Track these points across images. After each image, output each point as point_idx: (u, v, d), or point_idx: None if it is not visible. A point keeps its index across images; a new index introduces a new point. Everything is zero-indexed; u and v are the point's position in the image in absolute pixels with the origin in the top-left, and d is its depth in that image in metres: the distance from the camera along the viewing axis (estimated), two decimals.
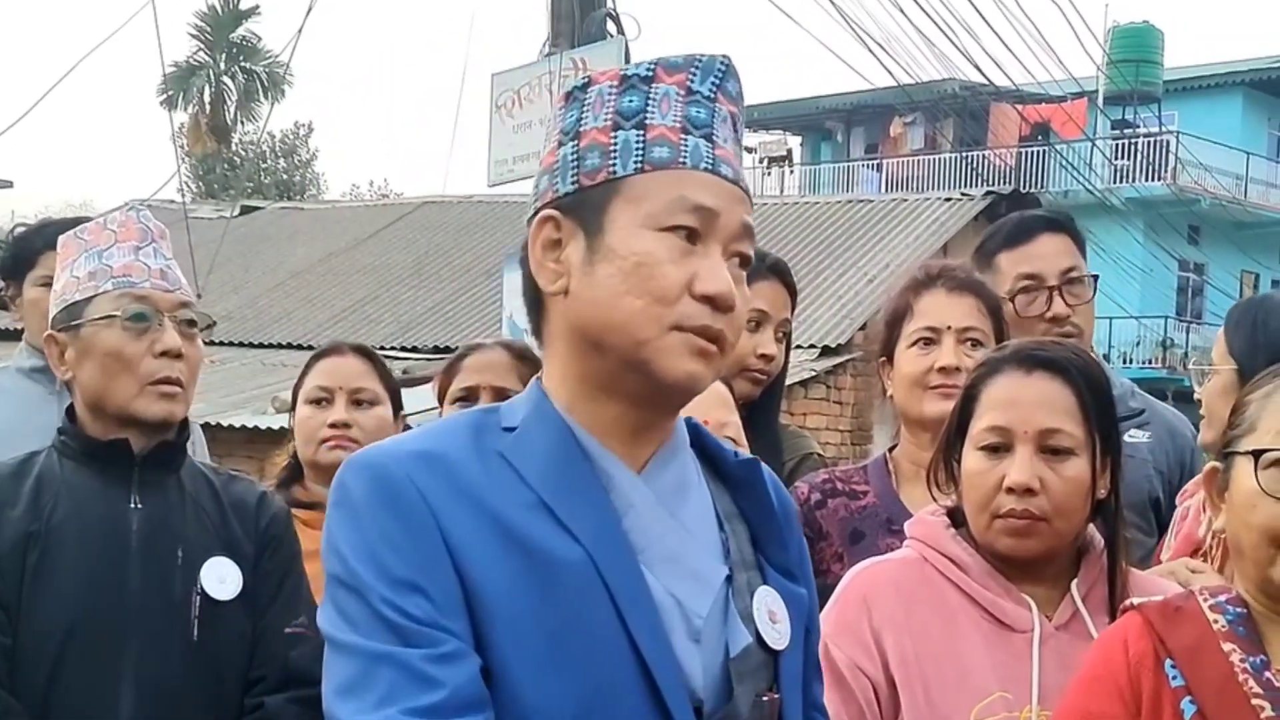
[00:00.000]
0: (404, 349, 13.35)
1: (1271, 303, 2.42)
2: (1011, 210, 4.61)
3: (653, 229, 1.36)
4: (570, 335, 1.40)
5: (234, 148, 36.29)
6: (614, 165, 1.38)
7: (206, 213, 17.45)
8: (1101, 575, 1.96)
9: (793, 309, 2.92)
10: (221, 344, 14.17)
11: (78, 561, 2.13)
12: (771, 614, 1.44)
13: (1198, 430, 2.54)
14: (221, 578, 2.20)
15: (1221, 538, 2.07)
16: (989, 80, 15.10)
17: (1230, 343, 2.38)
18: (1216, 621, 1.67)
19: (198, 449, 3.12)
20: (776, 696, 1.43)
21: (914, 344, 2.43)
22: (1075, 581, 1.95)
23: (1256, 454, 1.66)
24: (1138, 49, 26.19)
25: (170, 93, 31.82)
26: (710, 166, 1.38)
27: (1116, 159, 26.22)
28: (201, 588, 2.18)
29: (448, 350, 10.88)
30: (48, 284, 2.38)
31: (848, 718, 1.88)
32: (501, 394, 2.55)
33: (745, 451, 1.59)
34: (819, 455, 3.00)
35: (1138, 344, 25.36)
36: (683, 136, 1.38)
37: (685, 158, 1.38)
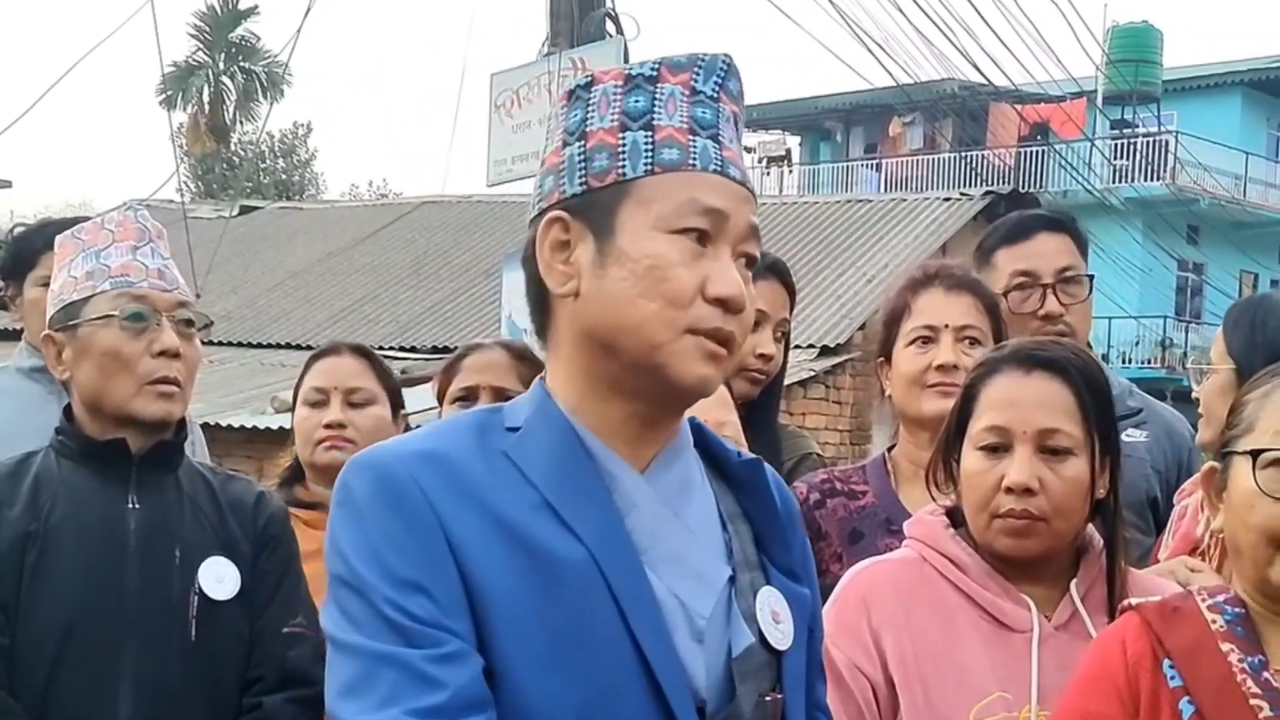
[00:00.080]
0: (403, 349, 13.35)
1: (1270, 302, 2.42)
2: (1010, 210, 4.62)
3: (664, 231, 1.36)
4: (579, 336, 1.40)
5: (233, 148, 36.25)
6: (623, 167, 1.37)
7: (205, 212, 17.45)
8: (1101, 575, 1.96)
9: (791, 309, 2.92)
10: (220, 344, 14.17)
11: (76, 561, 2.13)
12: (775, 614, 1.44)
13: (1196, 429, 2.54)
14: (219, 577, 2.20)
15: (1219, 537, 2.08)
16: (988, 80, 15.10)
17: (1229, 342, 2.38)
18: (1214, 621, 1.67)
19: (197, 449, 3.12)
20: (779, 697, 1.43)
21: (912, 343, 2.43)
22: (1074, 581, 1.95)
23: (1254, 454, 1.66)
24: (1137, 49, 26.19)
25: (169, 92, 31.83)
26: (719, 168, 1.39)
27: (1116, 159, 26.21)
28: (199, 587, 2.18)
29: (447, 350, 10.87)
30: (48, 284, 2.38)
31: (847, 718, 1.87)
32: (501, 394, 2.55)
33: (746, 451, 1.59)
34: (818, 455, 3.00)
35: (1137, 344, 25.37)
36: (691, 138, 1.38)
37: (695, 159, 1.38)
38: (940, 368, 2.38)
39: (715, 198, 1.37)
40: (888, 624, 1.94)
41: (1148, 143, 26.15)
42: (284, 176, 38.50)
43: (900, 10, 21.06)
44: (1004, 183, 22.03)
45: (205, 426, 4.21)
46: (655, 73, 1.41)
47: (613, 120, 1.39)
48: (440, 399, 2.78)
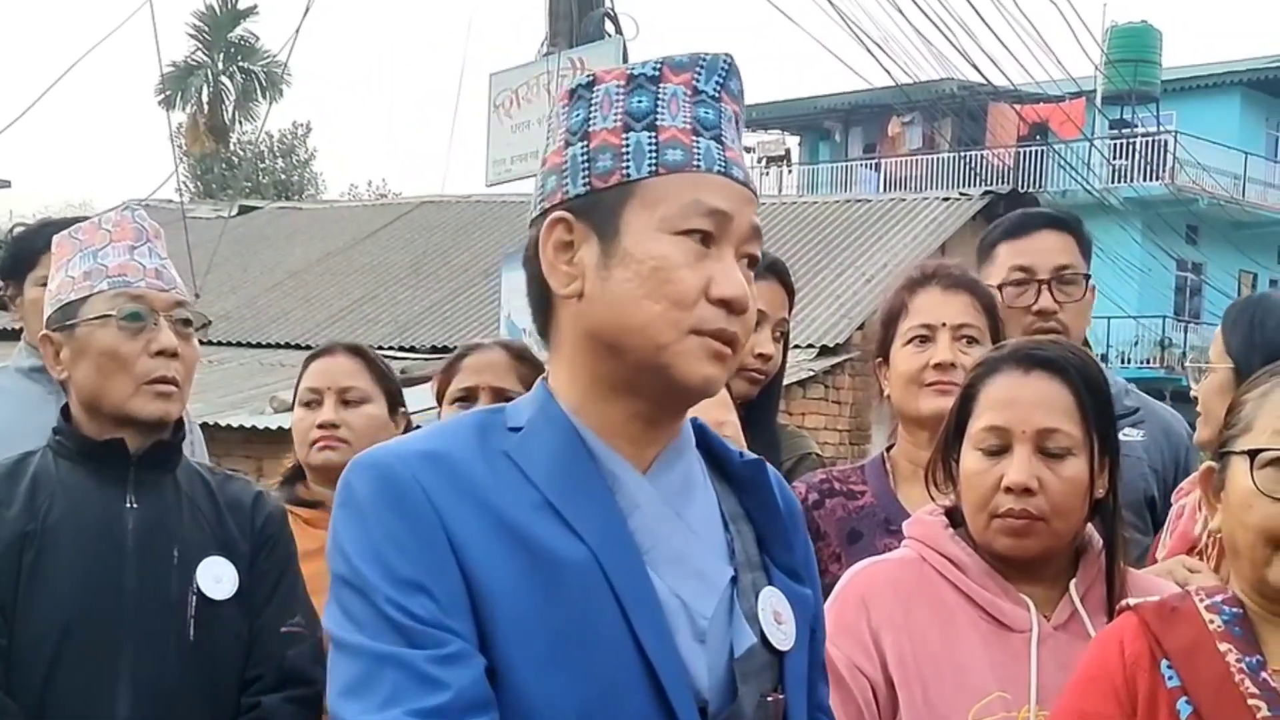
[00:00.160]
0: (402, 349, 13.34)
1: (1269, 302, 2.42)
2: (1009, 210, 4.63)
3: (668, 232, 1.36)
4: (583, 337, 1.40)
5: (232, 147, 36.24)
6: (627, 168, 1.38)
7: (204, 212, 17.44)
8: (1100, 575, 1.96)
9: (790, 308, 2.92)
10: (219, 344, 14.16)
11: (73, 561, 2.13)
12: (777, 614, 1.45)
13: (1194, 429, 2.54)
14: (217, 577, 2.20)
15: (1217, 537, 2.08)
16: (987, 80, 15.10)
17: (1227, 341, 2.38)
18: (1212, 622, 1.67)
19: (196, 449, 3.12)
20: (781, 697, 1.43)
21: (909, 342, 2.43)
22: (1074, 581, 1.95)
23: (1252, 453, 1.66)
24: (1136, 49, 26.19)
25: (168, 92, 31.84)
26: (723, 169, 1.39)
27: (1115, 159, 26.22)
28: (197, 587, 2.18)
29: (446, 350, 10.87)
30: (48, 284, 2.38)
31: (846, 718, 1.87)
32: (501, 394, 2.56)
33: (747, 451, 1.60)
34: (817, 455, 3.00)
35: (1136, 344, 25.38)
36: (694, 139, 1.39)
37: (699, 160, 1.38)
38: (938, 366, 2.39)
39: (719, 199, 1.38)
40: (887, 624, 1.94)
41: (1147, 143, 26.15)
42: (283, 176, 38.48)
43: (899, 10, 21.08)
44: (1003, 183, 22.02)
45: (204, 426, 4.21)
46: (657, 73, 1.41)
47: (616, 120, 1.39)
48: (440, 399, 2.78)
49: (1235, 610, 1.68)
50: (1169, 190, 25.37)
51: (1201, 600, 1.70)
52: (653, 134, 1.38)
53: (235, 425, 10.12)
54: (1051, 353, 1.97)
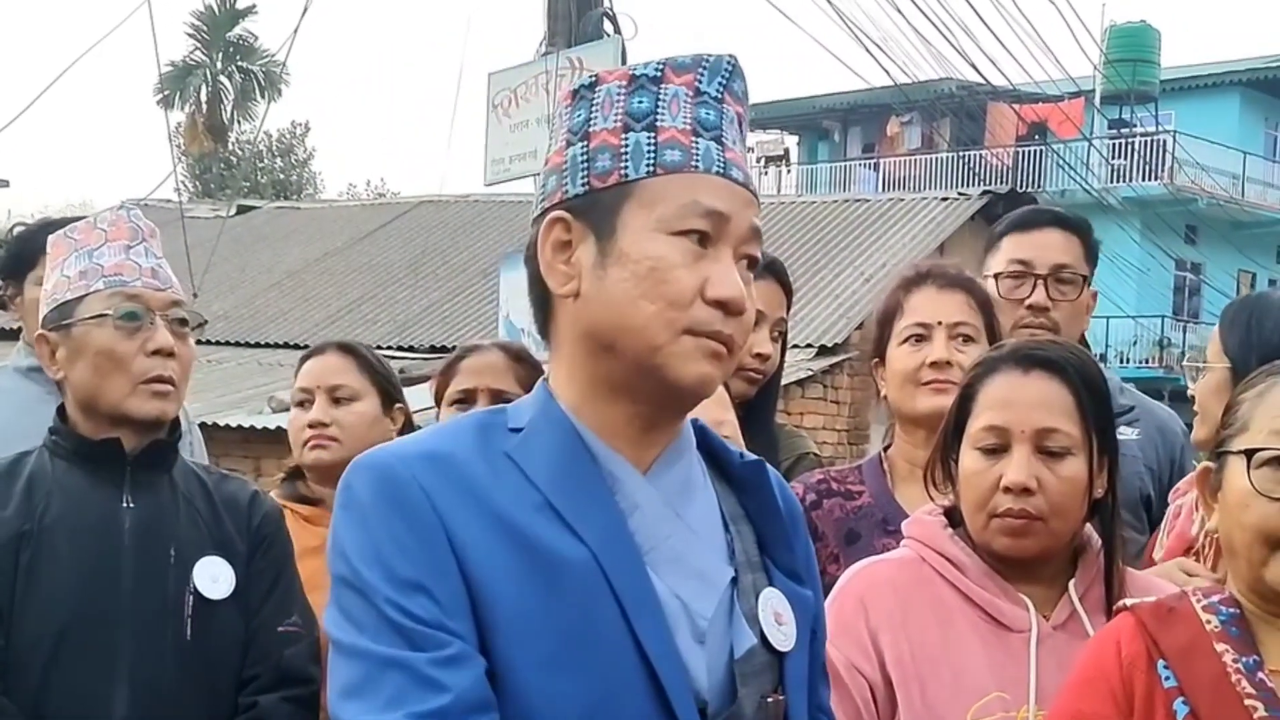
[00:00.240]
0: (400, 348, 13.34)
1: (1266, 302, 2.42)
2: (1009, 210, 4.63)
3: (665, 233, 1.36)
4: (581, 337, 1.40)
5: (230, 147, 36.22)
6: (625, 168, 1.38)
7: (203, 212, 17.44)
8: (1099, 575, 1.96)
9: (788, 308, 2.92)
10: (218, 343, 14.17)
11: (70, 561, 2.13)
12: (777, 615, 1.45)
13: (1191, 428, 2.54)
14: (214, 577, 2.20)
15: (1214, 537, 2.08)
16: (986, 80, 15.09)
17: (1225, 341, 2.38)
18: (1209, 622, 1.66)
19: (196, 449, 3.12)
20: (781, 698, 1.43)
21: (905, 341, 2.43)
22: (1073, 581, 1.95)
23: (1249, 453, 1.66)
24: (1135, 48, 26.19)
25: (167, 92, 31.82)
26: (721, 170, 1.39)
27: (1113, 159, 26.23)
28: (194, 587, 2.18)
29: (444, 350, 10.87)
30: None
31: (844, 718, 1.87)
32: (499, 396, 2.56)
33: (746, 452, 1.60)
34: (815, 455, 3.01)
35: (1134, 343, 25.39)
36: (693, 139, 1.38)
37: (697, 161, 1.38)
38: (934, 365, 2.38)
39: (717, 200, 1.37)
40: (886, 624, 1.94)
41: (1145, 142, 26.15)
42: (281, 176, 38.48)
43: (898, 10, 21.02)
44: (1002, 182, 22.00)
45: (202, 426, 4.20)
46: (659, 73, 1.41)
47: (616, 121, 1.40)
48: (438, 401, 2.79)
49: (1232, 610, 1.68)
50: (1168, 190, 25.38)
51: (1198, 600, 1.70)
52: (652, 134, 1.38)
53: (233, 425, 10.12)
54: (1051, 352, 1.97)
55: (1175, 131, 26.08)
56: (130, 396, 2.20)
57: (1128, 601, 1.75)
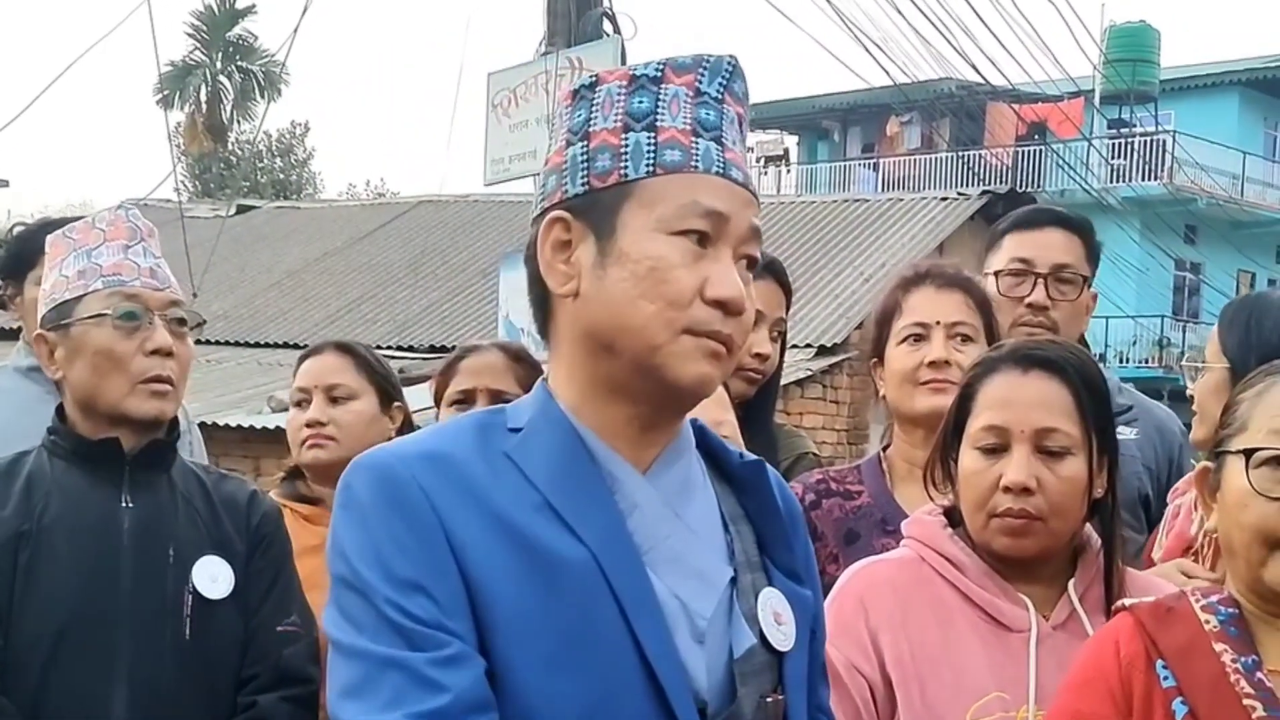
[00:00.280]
0: (400, 348, 13.34)
1: (1265, 302, 2.42)
2: (1008, 210, 4.63)
3: (665, 233, 1.36)
4: (580, 337, 1.40)
5: (230, 147, 36.22)
6: (625, 168, 1.38)
7: (203, 212, 17.44)
8: (1098, 575, 1.96)
9: (787, 308, 2.93)
10: (217, 343, 14.17)
11: (69, 561, 2.13)
12: (777, 615, 1.45)
13: (1189, 428, 2.54)
14: (213, 576, 2.20)
15: (1213, 537, 2.08)
16: (985, 80, 15.10)
17: (1223, 341, 2.38)
18: (1208, 622, 1.66)
19: (195, 449, 3.12)
20: (781, 698, 1.43)
21: (903, 341, 2.43)
22: (1072, 581, 1.95)
23: (1248, 453, 1.66)
24: (1134, 48, 26.19)
25: (166, 92, 31.83)
26: (721, 170, 1.39)
27: (1113, 158, 26.23)
28: (193, 587, 2.18)
29: (444, 350, 10.87)
30: None
31: (844, 718, 1.87)
32: (498, 396, 2.56)
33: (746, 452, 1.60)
34: (814, 455, 3.00)
35: (1134, 343, 25.39)
36: (693, 139, 1.39)
37: (697, 161, 1.38)
38: (933, 364, 2.38)
39: (716, 200, 1.38)
40: (885, 624, 1.94)
41: (1145, 142, 26.16)
42: (281, 176, 38.48)
43: (898, 10, 21.02)
44: (1001, 182, 22.01)
45: (202, 426, 4.20)
46: (660, 73, 1.41)
47: (616, 121, 1.40)
48: (438, 402, 2.79)
49: (1231, 610, 1.68)
50: (1167, 190, 25.38)
51: (1197, 600, 1.70)
52: (652, 134, 1.38)
53: (233, 425, 10.12)
54: (1050, 352, 1.97)
55: (1175, 131, 26.08)
56: (129, 396, 2.20)
57: (1126, 601, 1.75)
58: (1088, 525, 1.98)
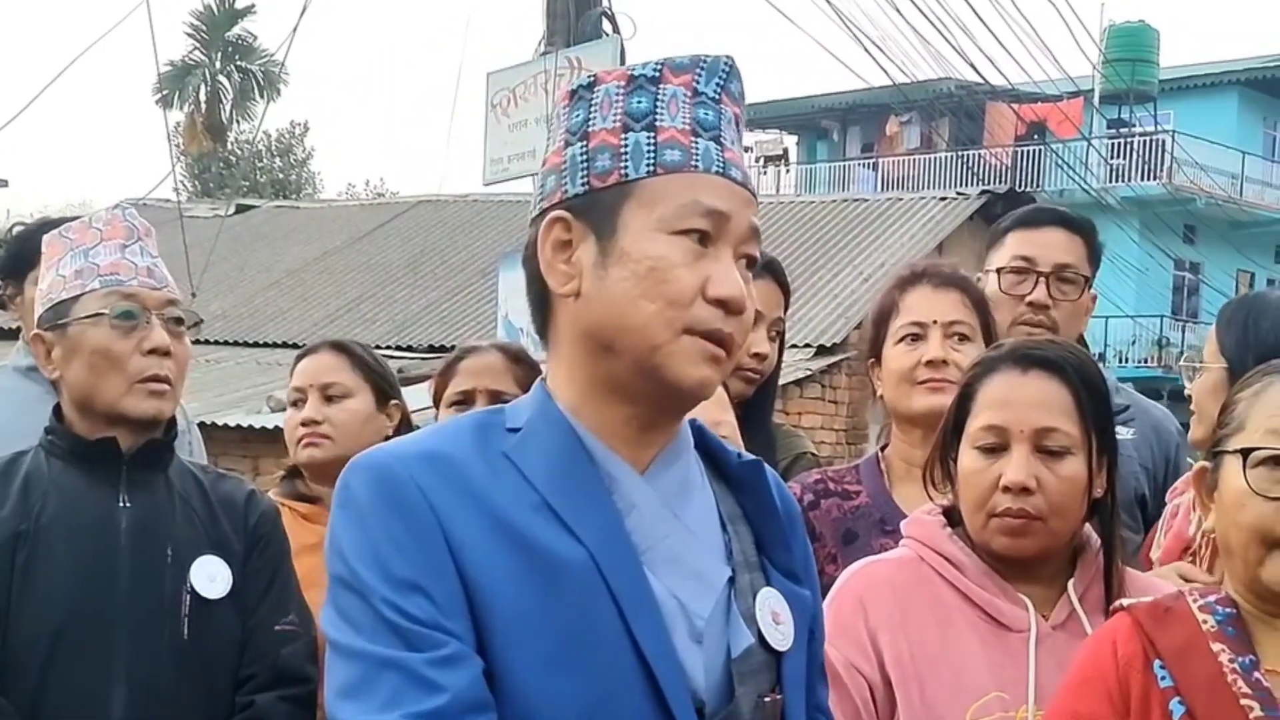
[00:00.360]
0: (399, 348, 13.35)
1: (1263, 301, 2.42)
2: (1007, 210, 4.63)
3: (666, 232, 1.36)
4: (580, 337, 1.40)
5: (229, 146, 36.23)
6: (625, 168, 1.38)
7: (202, 211, 17.44)
8: (1098, 575, 1.96)
9: (786, 308, 2.92)
10: (216, 343, 14.18)
11: (67, 561, 2.13)
12: (775, 615, 1.45)
13: (1187, 428, 2.55)
14: (211, 576, 2.20)
15: (1211, 537, 2.08)
16: (985, 79, 15.09)
17: (1221, 341, 2.38)
18: (1206, 622, 1.66)
19: (195, 448, 3.12)
20: (779, 698, 1.43)
21: (900, 340, 2.43)
22: (1072, 581, 1.95)
23: (1245, 453, 1.66)
24: (1133, 48, 26.19)
25: (165, 92, 31.83)
26: (721, 170, 1.39)
27: (1112, 158, 26.23)
28: (191, 586, 2.18)
29: (443, 349, 10.88)
30: None
31: (844, 718, 1.87)
32: (498, 397, 2.56)
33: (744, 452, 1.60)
34: (813, 454, 3.00)
35: (1133, 343, 25.39)
36: (693, 139, 1.39)
37: (697, 161, 1.38)
38: (930, 364, 2.38)
39: (717, 199, 1.38)
40: (885, 624, 1.94)
41: (1144, 142, 26.16)
42: (280, 175, 38.47)
43: (897, 9, 21.01)
44: (1000, 182, 22.00)
45: (201, 425, 4.21)
46: (658, 74, 1.41)
47: (615, 121, 1.40)
48: (436, 402, 2.79)
49: (1229, 610, 1.68)
50: (1166, 190, 25.39)
51: (1195, 600, 1.70)
52: (651, 134, 1.39)
53: (232, 424, 10.13)
54: (1050, 352, 1.97)
55: (1174, 131, 26.09)
56: (126, 396, 2.20)
57: (1124, 601, 1.75)
58: (1087, 525, 1.98)
